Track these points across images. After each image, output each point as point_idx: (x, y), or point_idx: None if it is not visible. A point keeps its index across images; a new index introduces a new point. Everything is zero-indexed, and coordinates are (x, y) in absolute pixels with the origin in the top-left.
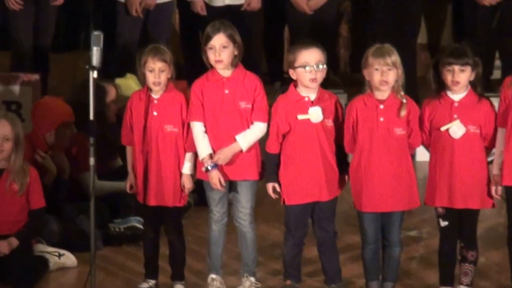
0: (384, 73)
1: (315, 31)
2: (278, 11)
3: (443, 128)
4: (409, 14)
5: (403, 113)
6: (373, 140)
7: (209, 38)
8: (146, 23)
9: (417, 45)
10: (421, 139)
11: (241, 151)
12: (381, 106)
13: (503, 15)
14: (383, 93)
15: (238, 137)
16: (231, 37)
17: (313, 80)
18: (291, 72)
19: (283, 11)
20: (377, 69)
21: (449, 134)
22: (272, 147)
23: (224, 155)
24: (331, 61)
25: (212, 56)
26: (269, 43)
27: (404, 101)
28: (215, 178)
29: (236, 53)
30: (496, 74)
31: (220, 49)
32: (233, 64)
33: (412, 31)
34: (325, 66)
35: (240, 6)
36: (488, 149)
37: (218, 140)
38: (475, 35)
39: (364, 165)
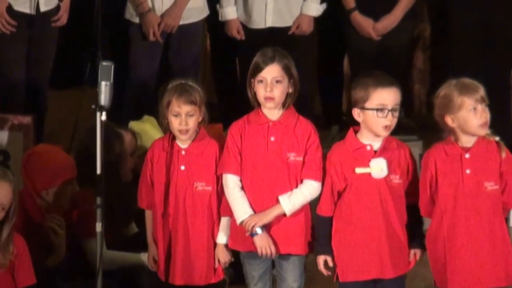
0: (483, 112)
1: (383, 62)
2: (335, 37)
3: None
4: (504, 39)
5: (504, 154)
6: (458, 198)
7: (259, 69)
8: (167, 51)
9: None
10: None
11: (284, 215)
12: (467, 155)
13: None
14: (469, 139)
15: (281, 198)
16: (286, 70)
17: (388, 127)
18: (356, 112)
19: (342, 37)
20: (474, 109)
21: None
22: (324, 209)
23: (261, 219)
24: (403, 100)
25: (261, 91)
26: (325, 77)
27: (497, 138)
28: (264, 243)
29: (290, 90)
30: None
31: (273, 83)
32: (285, 105)
33: (507, 61)
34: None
35: (287, 29)
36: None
37: (258, 201)
38: None
39: (446, 231)
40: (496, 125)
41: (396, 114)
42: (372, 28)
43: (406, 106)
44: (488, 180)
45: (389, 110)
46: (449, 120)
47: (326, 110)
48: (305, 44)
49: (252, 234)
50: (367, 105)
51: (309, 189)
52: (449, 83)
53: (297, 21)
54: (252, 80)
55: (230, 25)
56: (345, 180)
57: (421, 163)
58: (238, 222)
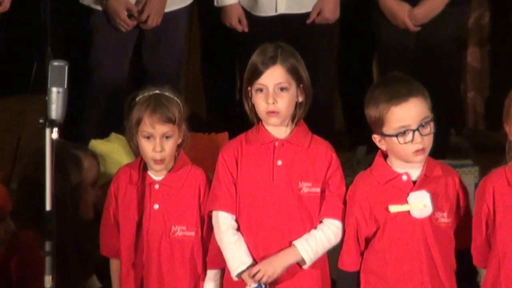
0: None
1: (424, 61)
2: (363, 29)
3: None
4: None
5: None
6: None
7: (257, 73)
8: (141, 47)
9: None
10: None
11: (299, 265)
12: None
13: None
14: None
15: (297, 244)
16: (294, 72)
17: (420, 151)
18: (376, 139)
19: (370, 30)
20: None
21: None
22: (348, 262)
23: (272, 269)
24: (451, 111)
25: (262, 103)
26: (349, 82)
27: None
28: None
29: (300, 99)
30: None
31: (276, 92)
32: (294, 119)
33: None
34: (432, 121)
35: (303, 16)
36: None
37: (261, 247)
38: None
39: (505, 285)
40: None
41: (427, 130)
42: (409, 15)
43: (457, 120)
44: None
45: (414, 130)
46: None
47: (350, 125)
48: (328, 37)
49: None
50: (385, 130)
51: (331, 231)
52: None
53: (319, 4)
54: (249, 88)
55: (229, 12)
56: (375, 222)
57: (475, 195)
58: (233, 274)
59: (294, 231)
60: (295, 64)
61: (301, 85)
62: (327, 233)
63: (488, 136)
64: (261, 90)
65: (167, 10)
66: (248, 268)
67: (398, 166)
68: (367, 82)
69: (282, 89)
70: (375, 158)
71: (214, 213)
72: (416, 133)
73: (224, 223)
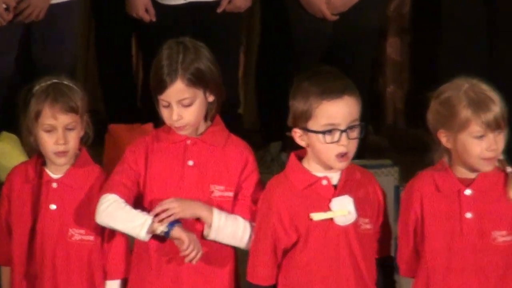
0: (493, 143)
1: (341, 53)
2: (278, 19)
3: None
4: None
5: None
6: (454, 253)
7: (160, 87)
8: (29, 36)
9: None
10: None
11: (203, 237)
12: (468, 192)
13: None
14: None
15: (215, 209)
16: (198, 81)
17: (344, 156)
18: (297, 134)
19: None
20: (480, 137)
21: None
22: (264, 275)
23: (180, 207)
24: (369, 108)
25: (167, 117)
26: (263, 78)
27: (510, 170)
28: (182, 235)
29: (211, 99)
30: None
31: (180, 107)
32: (208, 116)
33: None
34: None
35: (214, 4)
36: None
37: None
38: None
39: None
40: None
41: (355, 134)
42: (326, 3)
43: (374, 117)
44: (498, 228)
45: (342, 131)
46: (443, 137)
47: (264, 122)
48: (240, 27)
49: (167, 231)
50: (311, 125)
51: (239, 226)
52: (458, 83)
53: None
54: (157, 97)
55: (135, 1)
56: (296, 232)
57: (401, 201)
58: (143, 231)
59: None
60: (199, 69)
61: (209, 89)
62: (240, 220)
63: (409, 134)
64: (166, 106)
65: (55, 1)
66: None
67: (316, 170)
68: (284, 77)
69: (185, 106)
70: (289, 161)
71: (102, 197)
72: (344, 134)
73: (111, 199)
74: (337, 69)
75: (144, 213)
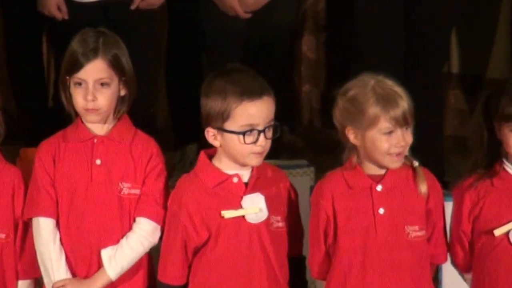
0: (401, 140)
1: (255, 52)
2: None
3: (499, 231)
4: (435, 20)
5: (424, 188)
6: (369, 249)
7: (76, 66)
8: None
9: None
10: (446, 250)
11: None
12: (379, 187)
13: None
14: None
15: (105, 254)
16: (116, 65)
17: (260, 154)
18: (210, 133)
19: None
20: (389, 133)
21: (509, 242)
22: (174, 274)
23: None
24: (284, 107)
25: (80, 99)
26: (174, 76)
27: (416, 164)
28: None
29: (123, 93)
30: None
31: (96, 87)
32: (116, 114)
33: (436, 53)
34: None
35: (126, 1)
36: None
37: (79, 257)
38: None
39: None
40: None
41: (270, 133)
42: (239, 0)
43: (290, 117)
44: (411, 223)
45: (260, 131)
46: (351, 134)
47: (178, 122)
48: (151, 27)
49: None
50: (228, 126)
51: (141, 235)
52: (365, 80)
53: None
54: (67, 78)
55: None
56: (207, 230)
57: (311, 202)
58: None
59: (115, 235)
60: (118, 55)
61: (124, 78)
62: (133, 240)
63: (325, 134)
64: (80, 84)
65: None
66: (66, 281)
67: (227, 167)
68: (197, 77)
69: (103, 84)
70: (199, 159)
71: (34, 220)
72: (262, 134)
73: (45, 230)
74: (250, 67)
75: (62, 268)
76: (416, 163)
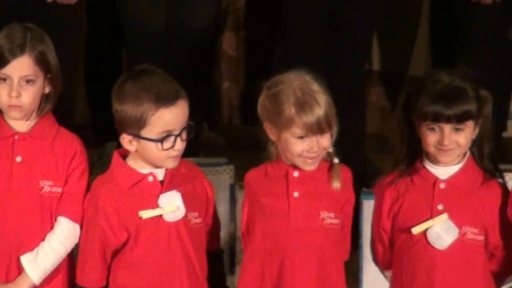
0: (314, 142)
1: (173, 50)
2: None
3: (417, 230)
4: (358, 20)
5: (337, 184)
6: (281, 233)
7: (2, 61)
8: None
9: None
10: (349, 248)
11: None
12: (296, 174)
13: None
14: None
15: (25, 260)
16: (42, 62)
17: (176, 158)
18: (125, 140)
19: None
20: (301, 137)
21: (427, 241)
22: (94, 278)
23: None
24: (204, 104)
25: (3, 95)
26: (94, 72)
27: (336, 161)
28: None
29: (47, 90)
30: None
31: (21, 84)
32: (39, 111)
33: (359, 52)
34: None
35: None
36: (500, 276)
37: (6, 251)
38: (473, 54)
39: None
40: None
41: (186, 135)
42: None
43: (209, 114)
44: (327, 209)
45: (176, 135)
46: (268, 130)
47: (98, 118)
48: (73, 19)
49: None
50: (145, 133)
51: (62, 236)
52: (291, 79)
53: None
54: None
55: None
56: (125, 231)
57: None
58: None
59: (35, 234)
60: (44, 52)
61: (49, 75)
62: (54, 243)
63: (244, 132)
64: (4, 80)
65: None
66: None
67: (142, 167)
68: (116, 73)
69: (28, 81)
70: (113, 160)
71: None
72: (178, 138)
73: None
74: (171, 66)
75: None
76: (336, 160)
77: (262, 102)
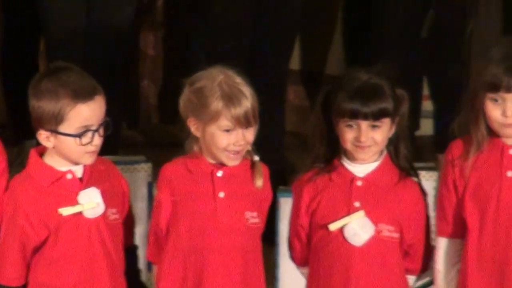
0: (241, 135)
1: (91, 48)
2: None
3: (334, 226)
4: (281, 21)
5: (259, 182)
6: (209, 232)
7: None
8: None
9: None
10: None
11: None
12: (220, 173)
13: (440, 17)
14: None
15: None
16: None
17: (94, 153)
18: (43, 135)
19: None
20: (228, 130)
21: (344, 237)
22: (10, 276)
23: None
24: (123, 102)
25: None
26: (11, 69)
27: (257, 158)
28: None
29: None
30: (426, 125)
31: None
32: None
33: (282, 53)
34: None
35: None
36: (414, 274)
37: None
38: (388, 53)
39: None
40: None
41: (103, 131)
42: None
43: (128, 112)
44: (249, 209)
45: (94, 131)
46: (193, 125)
47: (15, 116)
48: None
49: None
50: (62, 128)
51: None
52: (213, 73)
53: None
54: None
55: None
56: (46, 229)
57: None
58: None
59: None
60: None
61: None
62: None
63: (162, 130)
64: None
65: None
66: None
67: (60, 164)
68: (34, 70)
69: None
70: (29, 158)
71: None
72: (96, 133)
73: None
74: (91, 64)
75: None
76: (256, 158)
77: (186, 97)
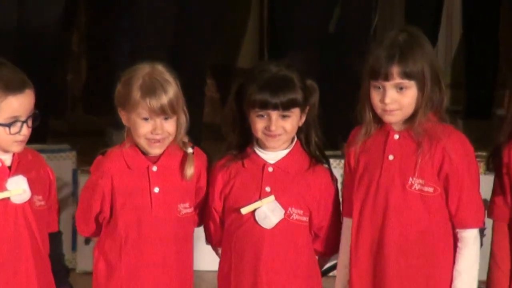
0: (159, 124)
1: (26, 47)
2: None
3: (246, 210)
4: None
5: (190, 171)
6: (144, 224)
7: None
8: None
9: None
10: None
11: None
12: (154, 168)
13: (346, 12)
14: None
15: None
16: None
17: (22, 142)
18: None
19: None
20: (146, 119)
21: (255, 220)
22: None
23: None
24: (51, 94)
25: None
26: None
27: (190, 151)
28: None
29: None
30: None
31: None
32: None
33: (203, 48)
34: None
35: None
36: (324, 256)
37: None
38: (297, 46)
39: (125, 274)
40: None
41: (31, 122)
42: None
43: (55, 103)
44: (183, 201)
45: (23, 122)
46: (123, 116)
47: None
48: None
49: None
50: None
51: None
52: (143, 67)
53: None
54: None
55: None
56: None
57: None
58: None
59: None
60: None
61: None
62: None
63: (86, 120)
64: None
65: None
66: None
67: None
68: None
69: None
70: None
71: None
72: (25, 124)
73: None
74: (20, 59)
75: None
76: (190, 150)
77: (117, 89)
